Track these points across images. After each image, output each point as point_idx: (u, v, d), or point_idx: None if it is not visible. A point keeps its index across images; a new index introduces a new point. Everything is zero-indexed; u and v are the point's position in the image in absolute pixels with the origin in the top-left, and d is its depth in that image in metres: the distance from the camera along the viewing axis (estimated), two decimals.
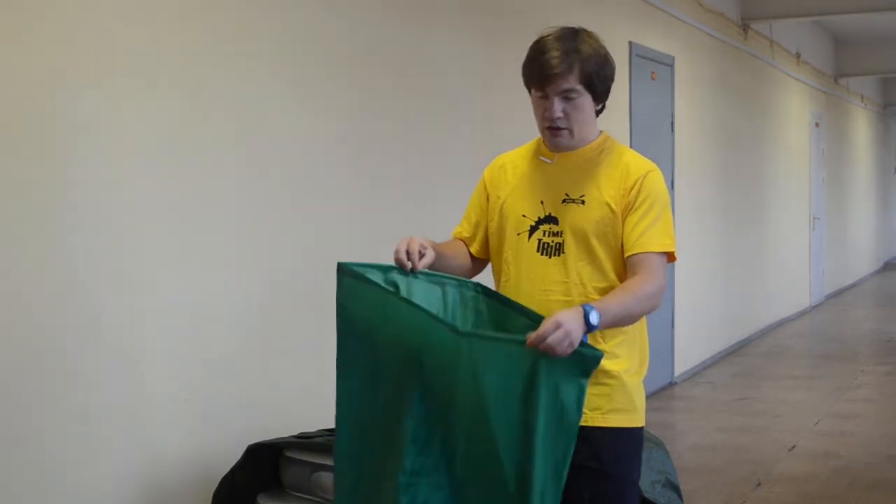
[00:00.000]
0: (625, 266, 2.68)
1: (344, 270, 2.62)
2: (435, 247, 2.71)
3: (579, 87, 2.63)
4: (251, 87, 3.93)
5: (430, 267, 2.67)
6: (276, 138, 4.07)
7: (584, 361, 2.39)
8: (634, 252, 2.64)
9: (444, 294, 2.68)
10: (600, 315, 2.43)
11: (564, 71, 2.60)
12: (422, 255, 2.62)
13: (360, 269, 2.61)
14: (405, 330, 2.54)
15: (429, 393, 2.50)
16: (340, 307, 2.64)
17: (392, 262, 2.63)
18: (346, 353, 2.65)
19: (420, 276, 2.63)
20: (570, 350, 2.34)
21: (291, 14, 4.13)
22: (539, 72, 2.63)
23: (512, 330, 2.62)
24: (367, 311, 2.61)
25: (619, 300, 2.55)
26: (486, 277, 2.87)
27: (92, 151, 3.30)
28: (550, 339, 2.32)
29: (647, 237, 2.64)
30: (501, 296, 2.74)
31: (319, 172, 4.31)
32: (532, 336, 2.35)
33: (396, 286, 2.61)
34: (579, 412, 2.40)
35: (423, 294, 2.63)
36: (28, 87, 3.12)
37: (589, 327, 2.41)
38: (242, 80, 3.89)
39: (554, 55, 2.60)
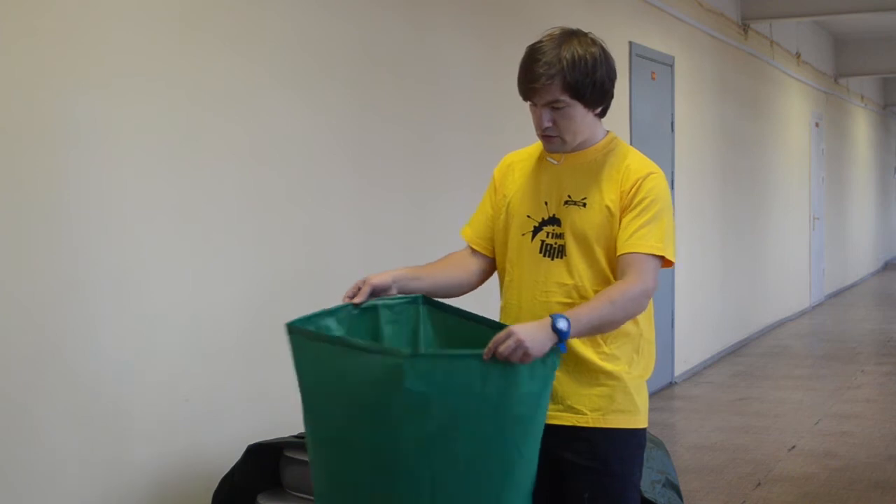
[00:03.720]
0: None
1: (290, 330, 2.46)
2: (413, 272, 2.69)
3: (565, 98, 2.60)
4: (251, 87, 3.94)
5: (409, 291, 2.67)
6: (276, 138, 4.07)
7: (542, 366, 2.38)
8: (624, 252, 2.60)
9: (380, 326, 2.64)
10: (570, 323, 2.39)
11: (546, 84, 2.57)
12: (359, 292, 2.60)
13: (304, 322, 2.49)
14: (350, 376, 2.38)
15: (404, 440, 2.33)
16: (296, 373, 2.54)
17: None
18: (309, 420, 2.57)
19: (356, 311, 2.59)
20: (527, 360, 2.31)
21: (291, 14, 4.13)
22: (523, 84, 2.63)
23: (464, 340, 2.59)
24: (316, 370, 2.49)
25: (594, 308, 2.50)
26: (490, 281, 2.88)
27: (92, 151, 3.30)
28: (502, 349, 2.29)
29: (638, 237, 2.60)
30: (448, 306, 2.70)
31: (319, 172, 4.31)
32: (488, 347, 2.31)
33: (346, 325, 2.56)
34: (536, 407, 2.40)
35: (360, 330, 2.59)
36: (28, 87, 3.12)
37: (560, 335, 2.37)
38: (242, 80, 3.89)
39: (536, 67, 2.58)
